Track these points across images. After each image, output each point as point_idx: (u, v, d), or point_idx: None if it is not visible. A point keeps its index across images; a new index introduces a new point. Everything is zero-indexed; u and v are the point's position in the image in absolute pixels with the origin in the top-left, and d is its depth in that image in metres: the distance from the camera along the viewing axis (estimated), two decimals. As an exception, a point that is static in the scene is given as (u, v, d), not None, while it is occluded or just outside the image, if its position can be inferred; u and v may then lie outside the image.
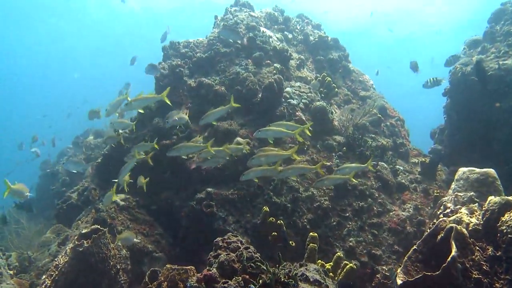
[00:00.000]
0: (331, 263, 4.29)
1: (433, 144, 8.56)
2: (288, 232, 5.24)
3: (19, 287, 4.69)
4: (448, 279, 2.98)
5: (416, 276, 3.28)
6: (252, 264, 3.03)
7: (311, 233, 4.21)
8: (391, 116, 8.21)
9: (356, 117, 7.03)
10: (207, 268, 3.09)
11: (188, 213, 5.48)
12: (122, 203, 5.51)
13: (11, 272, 5.03)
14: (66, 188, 10.39)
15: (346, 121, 6.94)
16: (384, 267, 5.37)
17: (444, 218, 3.52)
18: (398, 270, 3.40)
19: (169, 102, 5.27)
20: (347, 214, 5.82)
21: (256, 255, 3.12)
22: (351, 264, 4.20)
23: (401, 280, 3.28)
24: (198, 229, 5.38)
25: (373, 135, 7.22)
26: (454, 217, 3.54)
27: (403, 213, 6.05)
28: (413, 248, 3.55)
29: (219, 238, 3.40)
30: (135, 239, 4.86)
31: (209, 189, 5.45)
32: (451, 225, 3.21)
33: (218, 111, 5.37)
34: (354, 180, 5.31)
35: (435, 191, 6.43)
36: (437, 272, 3.00)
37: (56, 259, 4.78)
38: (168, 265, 3.93)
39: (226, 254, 3.11)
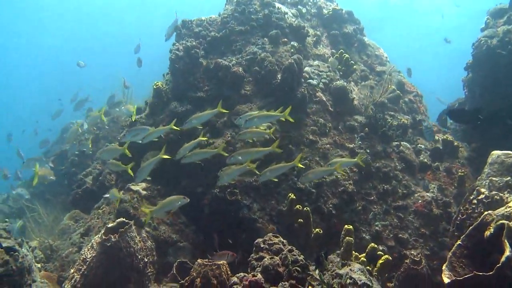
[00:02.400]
0: (364, 255, 4.20)
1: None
2: (313, 218, 5.15)
3: (48, 281, 4.63)
4: (501, 280, 2.88)
5: (462, 273, 3.20)
6: (297, 268, 2.93)
7: (346, 226, 4.11)
8: (409, 91, 8.00)
9: (376, 95, 6.83)
10: (252, 273, 2.99)
11: (211, 201, 5.38)
12: (144, 192, 5.40)
13: (39, 265, 4.96)
14: (76, 169, 10.21)
15: (365, 99, 6.75)
16: (412, 252, 5.31)
17: (490, 212, 3.40)
18: (443, 267, 3.31)
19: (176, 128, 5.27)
20: (372, 198, 5.73)
21: (300, 257, 3.02)
22: (386, 256, 4.12)
23: (448, 278, 3.18)
24: (222, 217, 5.29)
25: (392, 113, 7.04)
26: (502, 210, 3.41)
27: (428, 194, 5.94)
28: (457, 243, 3.44)
29: (260, 240, 3.30)
30: (179, 202, 4.74)
31: (230, 178, 5.32)
32: (502, 221, 3.09)
33: (204, 115, 5.22)
34: (340, 171, 5.19)
35: (459, 170, 6.30)
36: (490, 272, 2.90)
37: (82, 252, 4.70)
38: (199, 261, 3.84)
39: (270, 258, 3.00)
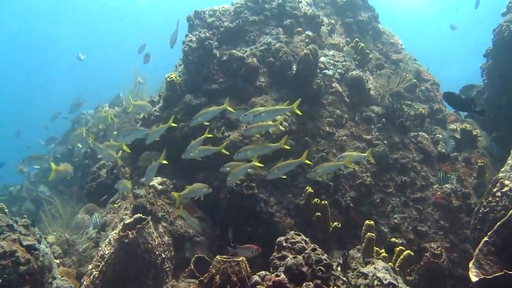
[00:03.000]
0: (384, 249, 4.14)
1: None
2: (331, 211, 5.09)
3: (67, 277, 4.63)
4: (533, 279, 2.80)
5: (490, 270, 3.12)
6: (321, 268, 2.87)
7: (367, 222, 4.03)
8: (426, 79, 7.84)
9: (392, 85, 6.70)
10: (275, 273, 2.94)
11: (227, 195, 5.32)
12: (160, 187, 5.36)
13: (57, 261, 4.97)
14: (89, 161, 10.21)
15: (381, 89, 6.62)
16: (431, 244, 5.23)
17: (518, 208, 3.30)
18: (470, 265, 3.23)
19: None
20: (390, 190, 5.65)
21: (323, 256, 2.95)
22: (408, 251, 4.05)
23: (476, 276, 3.11)
24: (239, 211, 5.23)
25: (408, 102, 6.90)
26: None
27: (447, 185, 5.83)
28: (484, 240, 3.35)
29: (282, 238, 3.24)
30: (204, 190, 4.75)
31: (249, 170, 5.24)
32: (531, 219, 3.00)
33: (210, 111, 5.13)
34: (350, 166, 5.10)
35: (479, 160, 6.18)
36: (521, 272, 2.82)
37: (99, 248, 4.70)
38: (218, 257, 3.78)
39: (293, 257, 2.94)
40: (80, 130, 8.29)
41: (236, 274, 3.62)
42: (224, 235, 5.11)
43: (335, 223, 4.97)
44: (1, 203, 4.43)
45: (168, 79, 6.10)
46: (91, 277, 4.35)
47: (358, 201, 5.42)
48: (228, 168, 4.96)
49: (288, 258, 2.94)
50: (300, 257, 2.95)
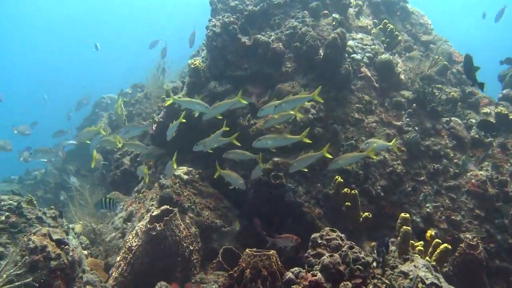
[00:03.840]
0: (422, 243, 3.98)
1: (502, 88, 7.81)
2: (361, 200, 4.94)
3: (95, 269, 4.62)
4: None
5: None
6: (359, 267, 2.74)
7: (402, 214, 3.87)
8: (457, 61, 7.52)
9: (423, 68, 6.44)
10: (311, 272, 2.83)
11: (254, 185, 5.22)
12: (185, 177, 5.28)
13: (85, 252, 4.97)
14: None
15: (411, 72, 6.37)
16: (466, 235, 5.04)
17: None
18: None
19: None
20: (422, 178, 5.46)
21: (361, 255, 2.83)
22: (445, 244, 3.89)
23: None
24: (266, 201, 5.13)
25: (439, 86, 6.63)
26: None
27: (482, 172, 5.61)
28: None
29: (317, 234, 3.12)
30: (240, 182, 4.77)
31: (276, 159, 5.13)
32: None
33: (222, 105, 4.96)
34: (374, 156, 4.90)
35: (516, 146, 5.91)
36: None
37: (126, 239, 4.66)
38: (248, 251, 3.71)
39: (330, 255, 2.82)
40: (92, 129, 8.36)
41: (266, 268, 3.54)
42: (251, 226, 5.02)
43: (366, 214, 4.84)
44: (29, 195, 4.41)
45: (192, 66, 5.96)
46: (120, 270, 4.33)
47: (389, 190, 5.26)
48: (231, 155, 4.92)
49: (325, 257, 2.82)
50: (336, 255, 2.82)
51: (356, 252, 2.83)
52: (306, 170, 4.80)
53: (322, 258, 2.83)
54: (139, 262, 4.27)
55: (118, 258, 4.53)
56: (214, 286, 4.14)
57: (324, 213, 5.01)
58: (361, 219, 4.84)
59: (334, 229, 3.14)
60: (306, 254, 3.07)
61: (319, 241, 3.04)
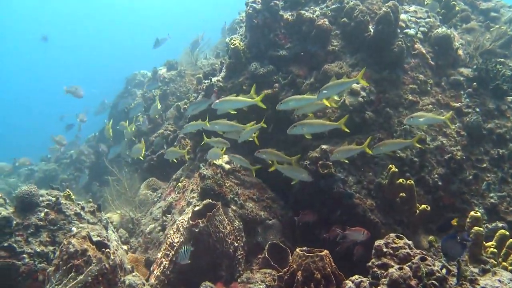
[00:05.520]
0: (494, 243, 3.56)
1: None
2: (416, 190, 4.54)
3: (136, 265, 4.46)
4: None
5: None
6: (434, 283, 2.39)
7: (472, 213, 3.44)
8: (522, 32, 6.81)
9: (483, 41, 5.84)
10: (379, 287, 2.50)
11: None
12: (227, 166, 5.00)
13: (125, 247, 4.81)
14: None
15: (470, 46, 5.79)
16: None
17: None
18: None
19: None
20: (485, 165, 4.99)
21: (435, 268, 2.47)
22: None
23: None
24: (313, 192, 4.79)
25: (502, 60, 6.01)
26: None
27: (554, 158, 5.07)
28: None
29: (382, 242, 2.77)
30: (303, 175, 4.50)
31: (324, 146, 4.75)
32: None
33: (237, 101, 4.67)
34: (418, 145, 4.47)
35: None
36: None
37: (167, 234, 4.46)
38: (298, 251, 3.40)
39: (399, 268, 2.48)
40: (108, 126, 8.45)
41: (319, 271, 3.24)
42: (300, 220, 4.71)
43: (423, 206, 4.44)
44: (68, 190, 4.24)
45: (232, 46, 5.59)
46: (162, 267, 4.13)
47: (447, 178, 4.85)
48: (264, 156, 4.67)
49: (393, 270, 2.48)
50: (407, 268, 2.47)
51: (429, 265, 2.47)
52: (347, 161, 4.50)
53: (391, 271, 2.49)
54: (182, 260, 4.05)
55: (159, 255, 4.33)
56: (261, 286, 3.87)
57: (377, 205, 4.64)
58: (417, 211, 4.45)
59: (401, 235, 2.78)
60: (369, 264, 2.74)
61: (384, 250, 2.69)
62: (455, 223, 4.25)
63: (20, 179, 13.01)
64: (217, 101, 4.78)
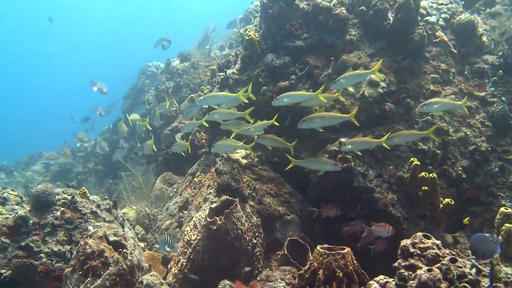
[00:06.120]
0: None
1: None
2: (439, 183, 4.39)
3: (153, 262, 4.41)
4: None
5: None
6: (467, 286, 2.27)
7: (502, 209, 3.30)
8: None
9: (510, 26, 5.60)
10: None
11: (319, 168, 4.75)
12: (244, 161, 4.90)
13: (142, 244, 4.77)
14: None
15: (495, 33, 5.56)
16: None
17: None
18: None
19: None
20: (511, 157, 4.79)
21: (467, 269, 2.34)
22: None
23: None
24: (332, 186, 4.67)
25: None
26: None
27: None
28: None
29: (409, 242, 2.65)
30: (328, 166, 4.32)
31: (343, 139, 4.61)
32: None
33: (227, 113, 4.65)
34: (434, 137, 4.35)
35: None
36: None
37: (184, 231, 4.38)
38: (319, 249, 3.30)
39: (428, 270, 2.36)
40: (121, 123, 8.44)
41: (341, 269, 3.14)
42: (317, 216, 4.60)
43: (447, 200, 4.29)
44: (83, 188, 4.19)
45: (247, 37, 5.44)
46: (179, 265, 4.07)
47: (472, 171, 4.70)
48: (263, 142, 4.58)
49: (422, 272, 2.36)
50: (436, 270, 2.35)
51: (461, 267, 2.35)
52: (360, 154, 4.37)
53: (419, 273, 2.37)
54: (199, 258, 3.98)
55: (176, 252, 4.27)
56: (281, 284, 3.78)
57: (398, 199, 4.51)
58: (441, 205, 4.31)
59: (428, 234, 2.66)
60: (395, 265, 2.63)
61: (411, 250, 2.57)
62: (467, 222, 4.06)
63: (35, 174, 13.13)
64: (201, 97, 4.73)
